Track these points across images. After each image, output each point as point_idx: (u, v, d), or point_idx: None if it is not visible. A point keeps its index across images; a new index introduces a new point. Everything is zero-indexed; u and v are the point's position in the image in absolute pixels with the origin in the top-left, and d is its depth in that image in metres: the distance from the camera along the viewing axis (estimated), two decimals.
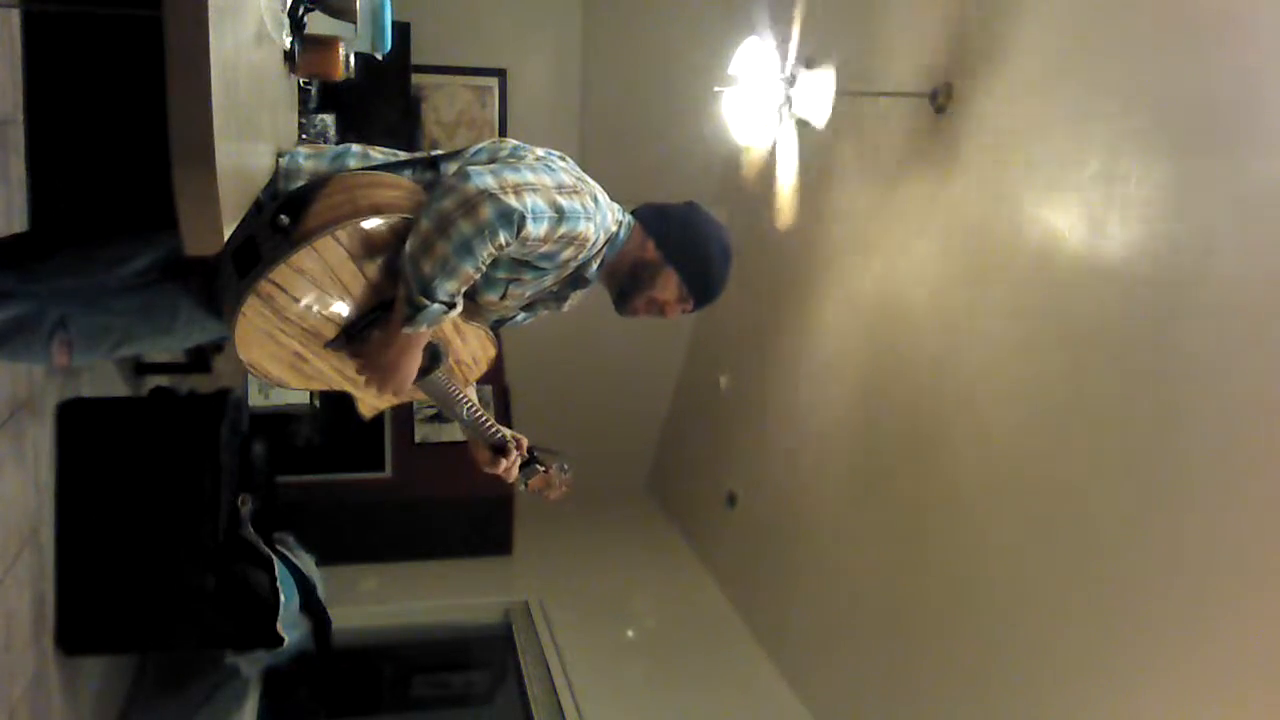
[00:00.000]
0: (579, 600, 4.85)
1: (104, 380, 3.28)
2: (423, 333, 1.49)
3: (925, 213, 3.41)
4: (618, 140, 5.48)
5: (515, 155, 1.58)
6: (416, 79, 5.10)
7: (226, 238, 1.14)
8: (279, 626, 3.10)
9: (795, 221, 3.54)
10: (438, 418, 5.22)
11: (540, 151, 1.60)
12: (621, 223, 1.69)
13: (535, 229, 1.45)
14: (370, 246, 1.45)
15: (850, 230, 4.00)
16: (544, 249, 1.53)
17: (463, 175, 1.44)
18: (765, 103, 3.37)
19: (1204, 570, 2.21)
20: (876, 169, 3.80)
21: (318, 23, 1.80)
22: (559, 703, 4.00)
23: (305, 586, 3.30)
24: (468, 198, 1.40)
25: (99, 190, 1.93)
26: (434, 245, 1.40)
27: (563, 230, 1.50)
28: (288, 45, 1.69)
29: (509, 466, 1.72)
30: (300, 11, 1.72)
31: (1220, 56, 2.25)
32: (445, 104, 5.37)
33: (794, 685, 4.11)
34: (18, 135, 2.23)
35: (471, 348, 1.69)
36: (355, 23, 1.85)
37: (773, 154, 3.48)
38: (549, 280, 1.65)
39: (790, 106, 3.35)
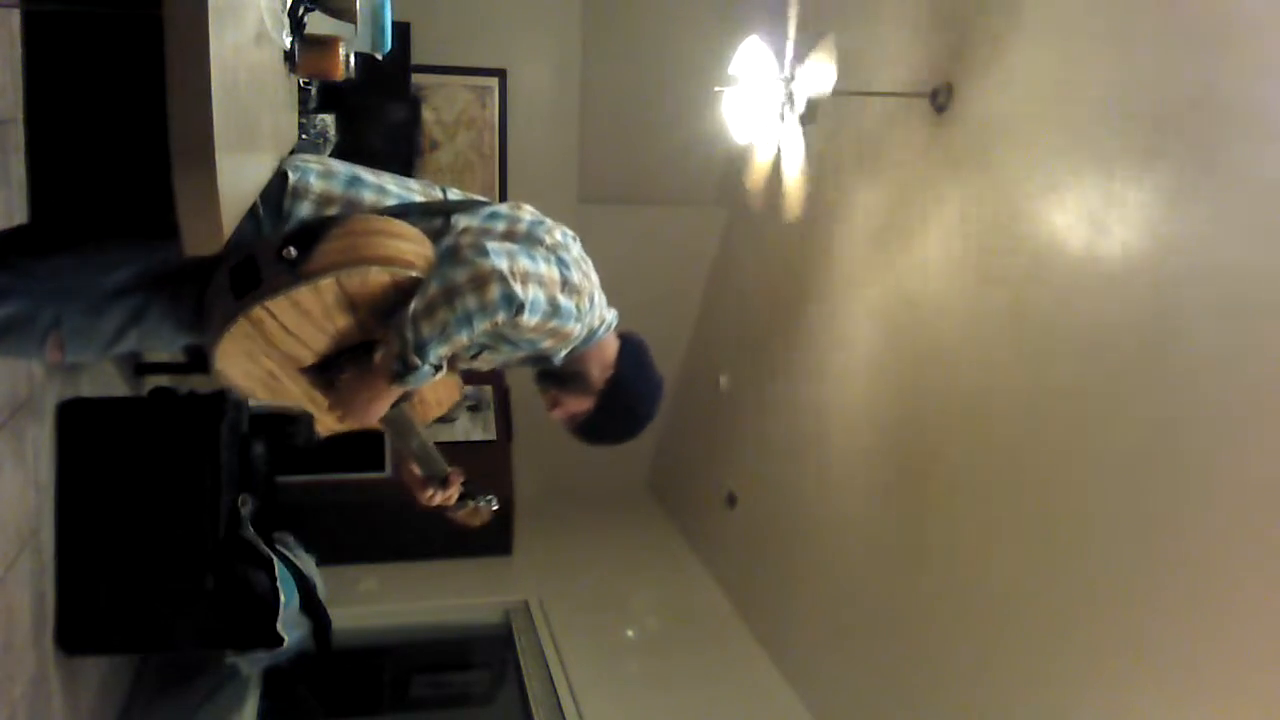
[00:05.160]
0: (579, 600, 4.85)
1: (104, 380, 3.28)
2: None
3: (925, 212, 3.41)
4: (618, 140, 5.49)
5: (532, 235, 1.59)
6: (416, 79, 5.10)
7: (226, 238, 1.14)
8: (279, 626, 3.10)
9: (795, 221, 3.54)
10: (438, 418, 5.22)
11: (558, 234, 1.62)
12: (606, 322, 1.70)
13: (529, 319, 1.48)
14: (370, 295, 1.47)
15: (850, 230, 4.00)
16: (529, 335, 1.56)
17: (478, 249, 1.45)
18: (765, 103, 3.37)
19: (1205, 571, 2.21)
20: (877, 169, 3.80)
21: (318, 23, 1.80)
22: (559, 702, 4.00)
23: (305, 586, 3.30)
24: (480, 274, 1.43)
25: (99, 191, 1.93)
26: (437, 311, 1.43)
27: (552, 325, 1.54)
28: (288, 45, 1.68)
29: (448, 497, 1.73)
30: (300, 11, 1.72)
31: (1221, 56, 2.25)
32: (445, 104, 5.37)
33: (794, 685, 4.11)
34: (18, 135, 2.22)
35: (438, 389, 1.70)
36: (355, 23, 1.85)
37: (773, 154, 3.47)
38: (519, 354, 1.69)
39: (790, 106, 3.35)
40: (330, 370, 1.56)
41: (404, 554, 5.03)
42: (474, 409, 5.29)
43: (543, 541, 5.28)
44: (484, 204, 1.66)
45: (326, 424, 1.69)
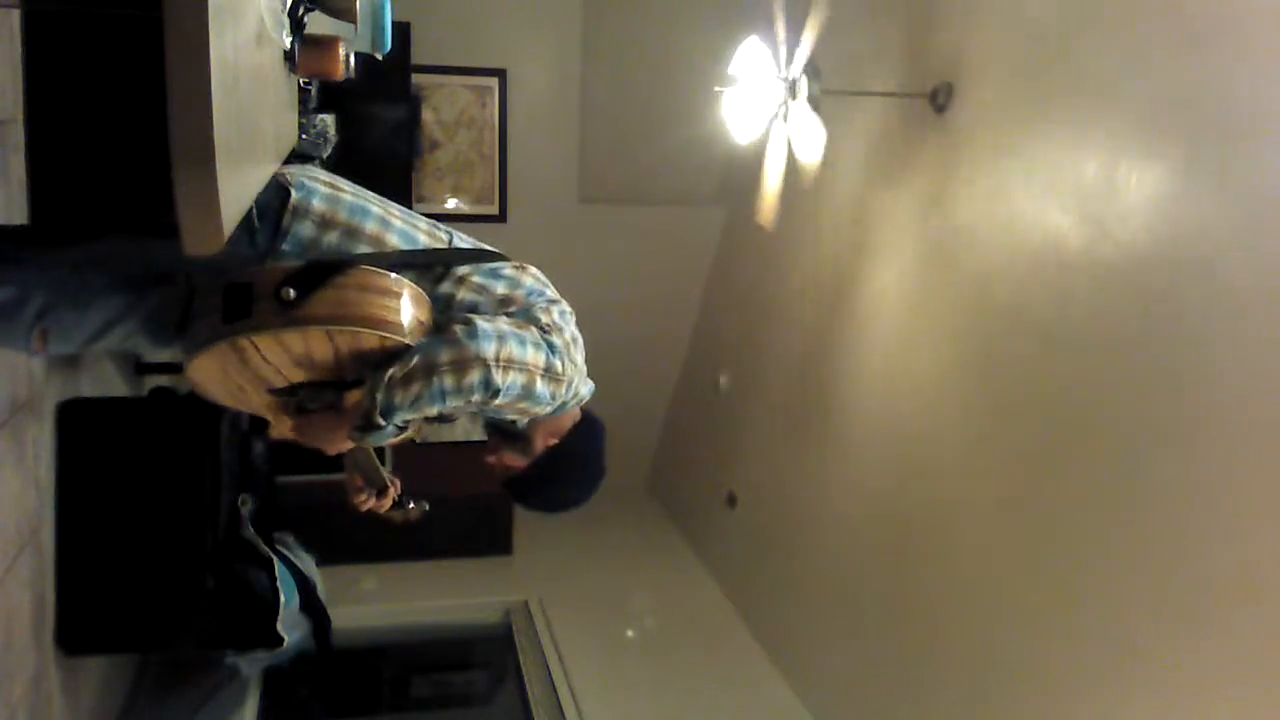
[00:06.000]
0: (579, 600, 4.85)
1: (104, 380, 3.28)
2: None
3: (925, 213, 3.41)
4: (618, 140, 5.48)
5: (529, 311, 1.59)
6: (416, 79, 5.10)
7: (227, 238, 1.14)
8: (279, 626, 3.09)
9: (795, 221, 3.55)
10: (439, 418, 5.21)
11: (555, 313, 1.61)
12: (578, 396, 1.70)
13: (502, 399, 1.51)
14: (356, 350, 1.48)
15: (850, 230, 4.00)
16: (496, 409, 1.59)
17: (471, 331, 1.47)
18: (765, 103, 3.37)
19: (1204, 573, 2.21)
20: (876, 169, 3.80)
21: (318, 23, 1.80)
22: (559, 702, 4.00)
23: (305, 586, 3.30)
24: (463, 358, 1.45)
25: (99, 190, 1.93)
26: (414, 382, 1.45)
27: (522, 405, 1.57)
28: (288, 45, 1.68)
29: (380, 504, 1.80)
30: (300, 11, 1.72)
31: (1221, 56, 2.25)
32: (445, 104, 5.37)
33: (794, 685, 4.11)
34: (18, 135, 2.22)
35: None
36: (355, 23, 1.84)
37: (772, 154, 3.48)
38: (484, 415, 1.72)
39: (790, 107, 3.35)
40: (297, 395, 1.58)
41: (404, 554, 5.02)
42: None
43: (543, 541, 5.28)
44: (489, 254, 1.65)
45: (280, 431, 1.73)
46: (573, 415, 1.74)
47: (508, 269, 1.63)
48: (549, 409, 1.63)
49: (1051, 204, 2.77)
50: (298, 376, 1.54)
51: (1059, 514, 2.69)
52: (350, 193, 1.61)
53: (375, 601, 4.76)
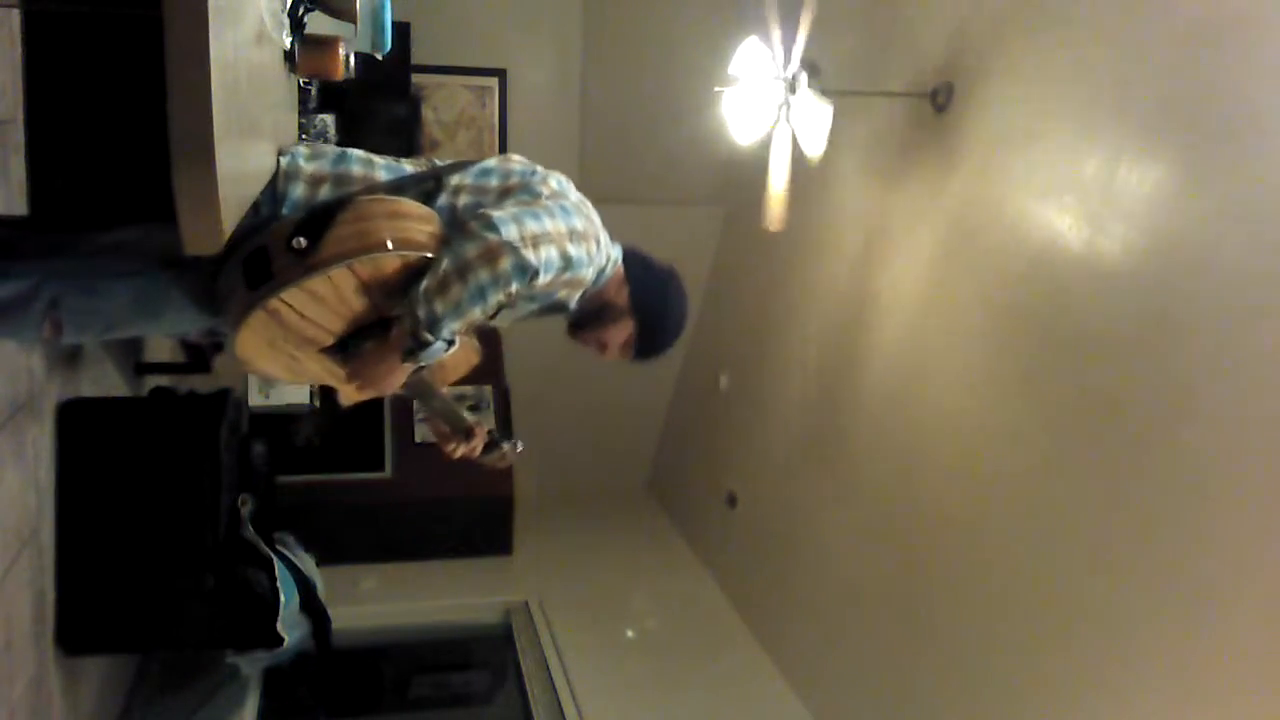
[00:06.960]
0: (579, 600, 4.85)
1: (104, 380, 3.27)
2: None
3: (925, 212, 3.41)
4: (618, 140, 5.48)
5: (528, 190, 1.62)
6: (416, 79, 5.10)
7: (227, 238, 1.14)
8: (279, 626, 3.09)
9: (795, 221, 3.54)
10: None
11: (553, 182, 1.65)
12: (612, 259, 1.73)
13: (544, 279, 1.52)
14: (382, 277, 1.49)
15: (850, 230, 4.00)
16: (545, 290, 1.60)
17: (486, 223, 1.48)
18: (765, 103, 3.37)
19: (1204, 572, 2.21)
20: (876, 169, 3.80)
21: (318, 23, 1.80)
22: (559, 702, 4.00)
23: (305, 586, 3.30)
24: (490, 247, 1.46)
25: (99, 189, 1.93)
26: (450, 287, 1.45)
27: (566, 276, 1.58)
28: (288, 45, 1.68)
29: (471, 448, 1.78)
30: (300, 11, 1.72)
31: (1221, 56, 2.25)
32: (445, 104, 5.37)
33: (794, 685, 4.11)
34: (18, 135, 2.22)
35: (456, 353, 1.73)
36: (355, 23, 1.85)
37: (772, 154, 3.47)
38: (535, 307, 1.73)
39: (790, 107, 3.35)
40: (349, 349, 1.59)
41: (404, 554, 5.02)
42: (474, 409, 5.28)
43: (543, 541, 5.27)
44: (472, 163, 1.68)
45: (348, 395, 1.73)
46: (622, 277, 1.76)
47: (492, 162, 1.67)
48: (591, 273, 1.64)
49: (1051, 203, 2.77)
50: (340, 327, 1.55)
51: (1059, 513, 2.69)
52: (329, 146, 1.67)
53: (375, 601, 4.76)
